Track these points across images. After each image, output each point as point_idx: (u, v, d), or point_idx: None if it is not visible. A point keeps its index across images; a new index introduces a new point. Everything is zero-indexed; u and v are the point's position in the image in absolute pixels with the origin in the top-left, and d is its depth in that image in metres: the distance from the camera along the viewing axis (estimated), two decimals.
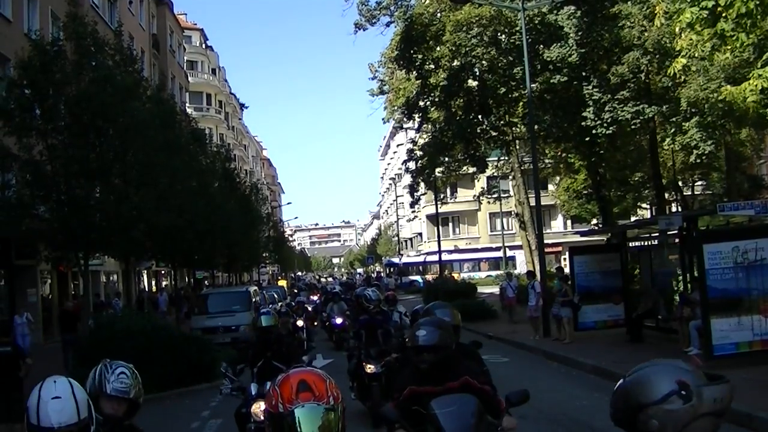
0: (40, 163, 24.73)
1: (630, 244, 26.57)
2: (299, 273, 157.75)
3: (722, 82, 25.02)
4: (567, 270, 30.06)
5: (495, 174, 57.33)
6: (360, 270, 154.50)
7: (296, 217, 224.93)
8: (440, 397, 6.19)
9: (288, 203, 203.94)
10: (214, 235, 39.37)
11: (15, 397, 14.88)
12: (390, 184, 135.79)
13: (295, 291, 54.25)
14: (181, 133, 37.99)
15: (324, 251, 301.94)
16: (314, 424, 3.68)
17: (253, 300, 33.83)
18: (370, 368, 14.21)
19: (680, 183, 51.42)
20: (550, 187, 74.92)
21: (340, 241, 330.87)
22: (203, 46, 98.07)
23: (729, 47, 17.07)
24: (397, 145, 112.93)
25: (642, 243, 26.59)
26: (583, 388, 16.85)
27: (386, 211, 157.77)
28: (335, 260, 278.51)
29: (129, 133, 25.13)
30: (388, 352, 14.02)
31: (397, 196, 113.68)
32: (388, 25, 40.34)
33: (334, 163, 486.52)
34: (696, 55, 19.83)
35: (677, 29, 17.80)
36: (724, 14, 15.26)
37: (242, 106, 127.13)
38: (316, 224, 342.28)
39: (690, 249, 19.85)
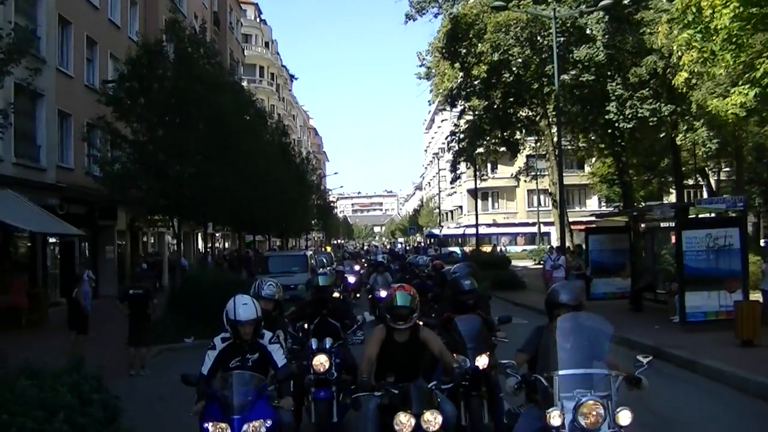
0: (144, 144, 30.14)
1: (643, 226, 30.91)
2: (341, 240, 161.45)
3: (728, 86, 28.48)
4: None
5: (532, 154, 60.82)
6: (401, 239, 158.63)
7: (341, 186, 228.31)
8: (460, 316, 11.20)
9: (335, 173, 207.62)
10: (274, 204, 43.71)
11: (145, 326, 19.35)
12: (433, 157, 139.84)
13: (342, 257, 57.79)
14: (252, 117, 42.70)
15: (366, 219, 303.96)
16: (404, 299, 8.62)
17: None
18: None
19: (707, 170, 55.43)
20: (587, 168, 78.52)
21: (381, 210, 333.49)
22: (257, 20, 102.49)
23: (722, 64, 20.86)
24: (442, 121, 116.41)
25: (658, 224, 30.61)
26: None
27: (429, 183, 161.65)
28: (376, 229, 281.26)
29: (214, 121, 29.98)
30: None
31: (439, 170, 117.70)
32: (436, 15, 44.87)
33: (378, 132, 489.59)
34: (696, 70, 23.58)
35: (675, 47, 21.76)
36: (713, 37, 19.12)
37: (292, 77, 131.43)
38: (359, 192, 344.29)
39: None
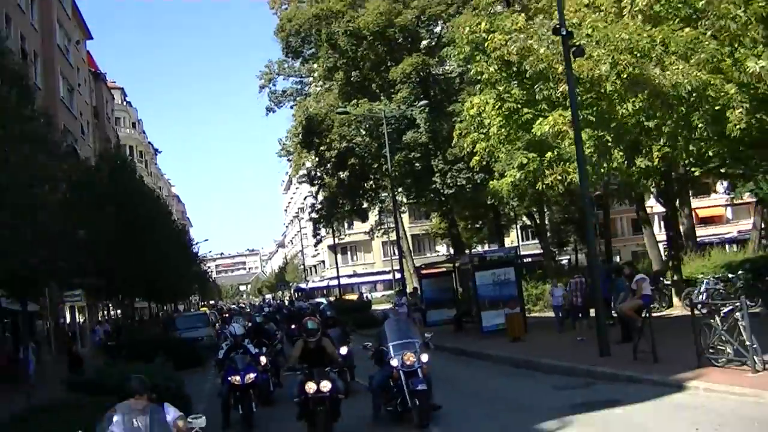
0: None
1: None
2: (212, 302, 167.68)
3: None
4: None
5: (382, 209, 70.62)
6: (269, 296, 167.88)
7: (210, 251, 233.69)
8: (329, 330, 20.93)
9: (205, 240, 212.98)
10: (172, 275, 52.92)
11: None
12: (293, 218, 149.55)
13: (225, 316, 66.10)
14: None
15: (231, 279, 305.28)
16: (313, 324, 16.51)
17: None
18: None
19: (524, 216, 67.20)
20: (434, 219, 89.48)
21: (245, 268, 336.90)
22: (124, 102, 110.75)
23: (501, 155, 31.09)
24: (299, 182, 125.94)
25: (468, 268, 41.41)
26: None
27: (291, 240, 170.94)
28: (242, 287, 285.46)
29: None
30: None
31: (300, 228, 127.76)
32: (291, 107, 56.17)
33: (235, 194, 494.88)
34: (485, 158, 33.49)
35: (465, 144, 31.98)
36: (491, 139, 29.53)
37: (156, 151, 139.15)
38: (222, 253, 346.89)
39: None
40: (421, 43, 51.39)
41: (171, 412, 10.01)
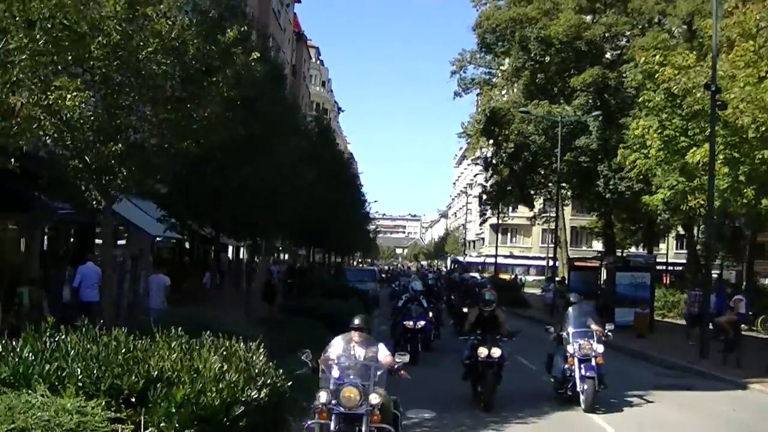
0: None
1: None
2: (368, 259, 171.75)
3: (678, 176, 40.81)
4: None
5: (548, 198, 73.17)
6: (424, 262, 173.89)
7: (377, 212, 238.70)
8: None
9: (375, 201, 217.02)
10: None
11: None
12: (461, 191, 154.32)
13: (383, 276, 71.67)
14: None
15: (389, 241, 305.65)
16: (491, 296, 18.81)
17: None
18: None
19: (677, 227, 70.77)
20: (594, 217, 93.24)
21: (405, 232, 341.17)
22: (317, 61, 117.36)
23: (658, 174, 35.47)
24: (473, 163, 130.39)
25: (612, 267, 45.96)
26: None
27: (455, 213, 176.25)
28: (398, 250, 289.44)
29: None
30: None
31: (467, 203, 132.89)
32: (477, 94, 61.38)
33: (404, 160, 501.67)
34: (642, 174, 37.76)
35: (627, 163, 36.72)
36: (649, 157, 34.06)
37: (339, 109, 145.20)
38: (384, 214, 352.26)
39: None
40: (603, 56, 55.41)
41: (382, 349, 11.31)
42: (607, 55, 56.10)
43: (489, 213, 70.26)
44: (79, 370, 9.32)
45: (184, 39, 14.09)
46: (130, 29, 13.47)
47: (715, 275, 69.27)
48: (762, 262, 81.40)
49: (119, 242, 30.89)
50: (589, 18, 55.64)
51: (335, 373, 10.42)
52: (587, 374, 17.39)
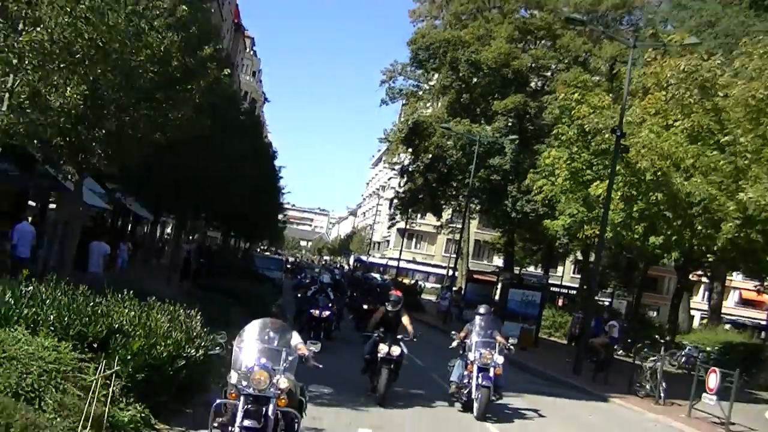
0: None
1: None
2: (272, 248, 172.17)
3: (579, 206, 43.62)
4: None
5: (455, 211, 75.90)
6: (326, 257, 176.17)
7: (288, 202, 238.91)
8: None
9: (289, 192, 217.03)
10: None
11: None
12: (373, 192, 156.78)
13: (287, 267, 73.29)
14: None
15: (294, 232, 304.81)
16: (396, 297, 25.79)
17: None
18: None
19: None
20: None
21: (311, 226, 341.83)
22: (251, 51, 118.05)
23: (562, 201, 38.26)
24: (390, 167, 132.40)
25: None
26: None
27: (364, 213, 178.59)
28: (303, 243, 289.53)
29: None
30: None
31: (378, 204, 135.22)
32: (403, 105, 63.95)
33: (323, 152, 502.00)
34: (548, 201, 40.55)
35: (535, 187, 39.50)
36: (556, 185, 36.79)
37: (265, 99, 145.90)
38: (293, 205, 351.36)
39: None
40: (528, 85, 58.42)
41: (296, 337, 11.58)
42: (532, 84, 59.12)
43: (398, 217, 72.80)
44: (52, 316, 11.54)
45: (169, 51, 16.40)
46: (126, 40, 15.86)
47: (607, 302, 73.16)
48: (652, 295, 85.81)
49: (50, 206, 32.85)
50: (519, 47, 58.32)
51: (247, 355, 10.79)
52: (483, 383, 17.79)
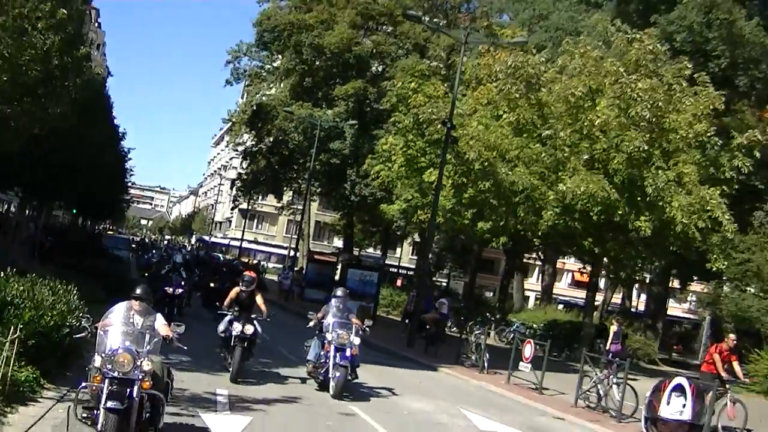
0: None
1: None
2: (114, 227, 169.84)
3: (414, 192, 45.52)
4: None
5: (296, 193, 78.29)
6: (168, 237, 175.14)
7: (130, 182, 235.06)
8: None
9: (133, 174, 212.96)
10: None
11: None
12: (215, 171, 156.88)
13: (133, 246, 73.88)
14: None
15: (134, 211, 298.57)
16: (249, 278, 28.65)
17: None
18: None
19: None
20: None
21: (152, 204, 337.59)
22: (96, 24, 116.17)
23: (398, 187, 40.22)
24: (233, 149, 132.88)
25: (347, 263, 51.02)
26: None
27: (206, 192, 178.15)
28: (144, 222, 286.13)
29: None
30: None
31: (220, 184, 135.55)
32: (247, 86, 65.17)
33: (164, 128, 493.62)
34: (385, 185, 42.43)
35: (372, 172, 41.40)
36: (393, 170, 38.80)
37: (109, 74, 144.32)
38: (133, 183, 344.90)
39: None
40: (368, 70, 60.34)
41: (159, 319, 11.74)
42: (372, 70, 60.93)
43: (241, 199, 73.91)
44: None
45: (50, 51, 17.66)
46: (11, 39, 17.05)
47: (444, 283, 76.25)
48: (488, 276, 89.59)
49: None
50: (361, 33, 60.23)
51: (112, 338, 10.92)
52: (341, 362, 18.35)
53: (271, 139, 61.58)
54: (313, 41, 57.07)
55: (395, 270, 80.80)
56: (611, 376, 22.15)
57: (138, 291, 11.95)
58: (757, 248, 38.93)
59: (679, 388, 4.32)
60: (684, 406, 4.08)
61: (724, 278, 41.98)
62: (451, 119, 32.42)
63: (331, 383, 18.43)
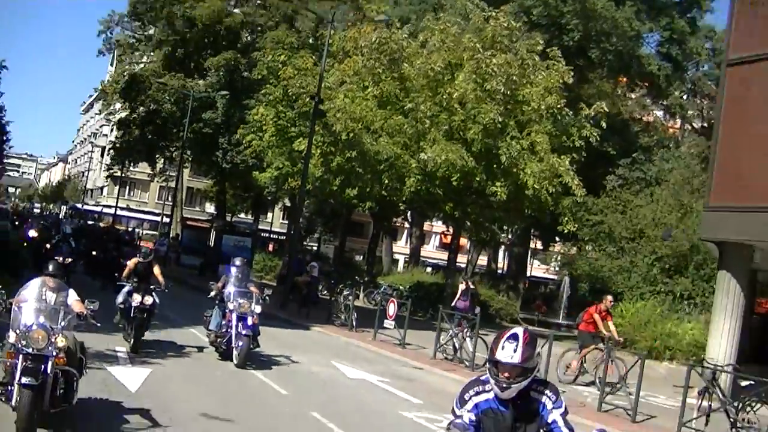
0: None
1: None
2: None
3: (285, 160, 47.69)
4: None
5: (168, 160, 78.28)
6: (38, 205, 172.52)
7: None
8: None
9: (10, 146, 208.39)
10: None
11: None
12: (86, 139, 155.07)
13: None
14: None
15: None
16: (146, 251, 28.74)
17: None
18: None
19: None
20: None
21: (18, 172, 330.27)
22: None
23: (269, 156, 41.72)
24: (105, 114, 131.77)
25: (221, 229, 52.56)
26: None
27: (76, 160, 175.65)
28: (11, 190, 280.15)
29: None
30: None
31: (91, 152, 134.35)
32: (120, 56, 65.70)
33: (31, 94, 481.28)
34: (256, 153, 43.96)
35: (245, 141, 42.87)
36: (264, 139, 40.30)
37: None
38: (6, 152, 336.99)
39: None
40: (239, 41, 61.21)
41: (72, 295, 11.78)
42: (243, 40, 61.81)
43: (115, 168, 74.12)
44: None
45: None
46: None
47: (314, 247, 78.28)
48: (358, 240, 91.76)
49: None
50: (232, 4, 61.26)
51: (26, 315, 10.92)
52: (243, 332, 18.68)
53: (145, 110, 62.09)
54: (185, 13, 57.74)
55: (267, 235, 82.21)
56: (465, 330, 24.54)
57: (50, 267, 12.14)
58: (609, 210, 41.65)
59: (513, 336, 5.51)
60: (515, 350, 5.27)
61: (579, 239, 44.76)
62: (319, 94, 34.13)
63: (234, 352, 18.79)
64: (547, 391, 6.53)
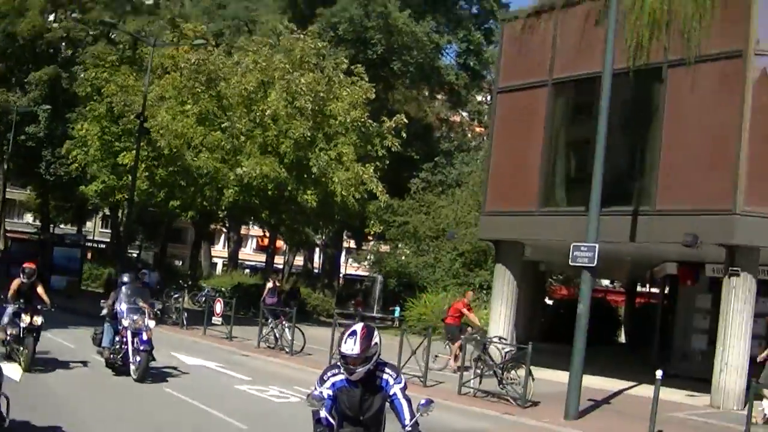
0: None
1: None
2: None
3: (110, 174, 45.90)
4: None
5: None
6: None
7: None
8: None
9: None
10: None
11: None
12: None
13: None
14: None
15: None
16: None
17: None
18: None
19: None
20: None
21: None
22: None
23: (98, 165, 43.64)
24: None
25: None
26: None
27: None
28: None
29: None
30: None
31: None
32: None
33: None
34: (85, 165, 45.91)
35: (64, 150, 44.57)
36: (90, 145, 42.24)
37: None
38: None
39: None
40: (60, 55, 62.25)
41: None
42: (64, 55, 62.71)
43: None
44: None
45: None
46: None
47: (135, 254, 79.74)
48: (178, 245, 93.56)
49: None
50: (51, 18, 62.17)
51: None
52: (142, 348, 18.52)
53: None
54: (5, 28, 58.14)
55: (88, 244, 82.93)
56: (283, 323, 28.25)
57: None
58: (413, 212, 45.51)
59: (353, 333, 7.43)
60: (354, 343, 7.19)
61: (387, 239, 48.59)
62: (143, 113, 36.59)
63: (132, 367, 18.71)
64: (387, 370, 8.25)
